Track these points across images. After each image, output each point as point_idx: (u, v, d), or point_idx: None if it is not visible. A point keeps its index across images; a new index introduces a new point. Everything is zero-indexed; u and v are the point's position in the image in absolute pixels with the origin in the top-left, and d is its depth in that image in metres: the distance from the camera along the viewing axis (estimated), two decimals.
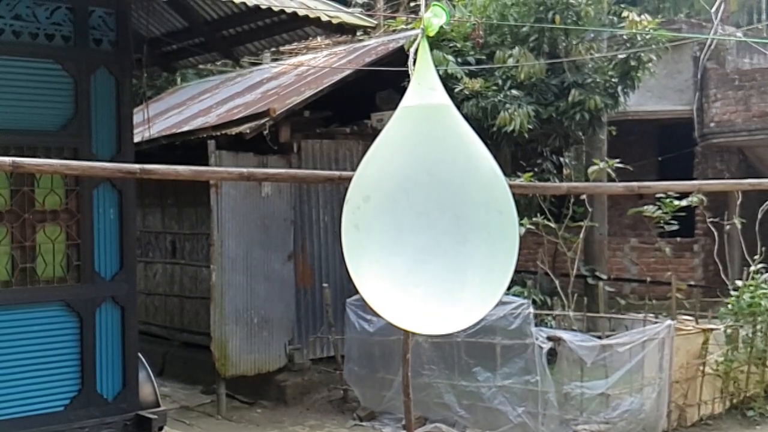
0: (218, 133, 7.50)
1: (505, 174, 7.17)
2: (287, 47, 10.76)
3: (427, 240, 0.57)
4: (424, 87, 0.78)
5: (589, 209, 7.85)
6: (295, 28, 6.23)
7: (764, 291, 6.71)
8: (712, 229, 8.20)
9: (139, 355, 5.32)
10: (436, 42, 7.63)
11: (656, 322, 6.21)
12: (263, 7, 5.33)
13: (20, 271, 4.86)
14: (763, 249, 7.34)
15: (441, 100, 0.79)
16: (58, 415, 4.95)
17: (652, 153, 11.94)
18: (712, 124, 11.20)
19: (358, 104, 8.24)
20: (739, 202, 8.19)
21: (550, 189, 6.12)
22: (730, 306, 6.78)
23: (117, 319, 5.19)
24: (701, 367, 6.37)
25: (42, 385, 4.92)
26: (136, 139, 5.86)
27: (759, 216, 7.87)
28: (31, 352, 4.90)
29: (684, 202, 7.46)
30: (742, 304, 6.64)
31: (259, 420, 7.17)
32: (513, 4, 8.07)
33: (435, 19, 1.07)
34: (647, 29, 7.85)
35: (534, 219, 7.36)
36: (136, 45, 5.50)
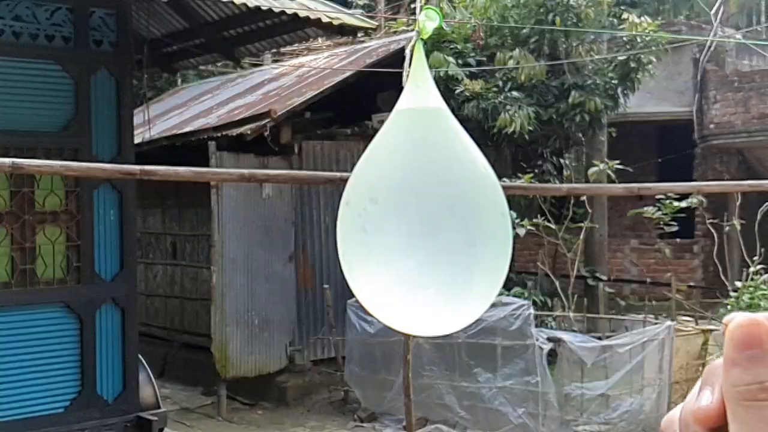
0: (219, 135, 7.51)
1: (506, 175, 7.21)
2: (288, 48, 10.77)
3: (439, 242, 0.56)
4: (419, 90, 0.78)
5: (589, 210, 7.86)
6: (296, 29, 6.24)
7: (763, 292, 6.72)
8: (712, 230, 8.21)
9: (140, 356, 5.32)
10: (437, 44, 7.65)
11: (656, 323, 6.22)
12: (264, 8, 5.33)
13: (20, 272, 4.86)
14: (763, 250, 7.35)
15: (437, 104, 0.78)
16: (58, 416, 4.94)
17: (651, 154, 11.95)
18: (711, 126, 11.21)
19: (359, 105, 8.25)
20: (738, 204, 8.20)
21: (550, 190, 6.12)
22: (729, 307, 6.78)
23: (117, 321, 5.19)
24: (701, 368, 6.38)
25: (42, 386, 4.92)
26: (137, 140, 5.87)
27: (758, 217, 7.87)
28: (31, 353, 4.90)
29: (684, 204, 7.47)
30: (742, 305, 6.64)
31: (259, 421, 7.17)
32: (513, 6, 8.08)
33: (429, 22, 1.06)
34: (647, 31, 7.86)
35: (534, 220, 7.36)
36: (137, 46, 5.51)
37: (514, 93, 7.68)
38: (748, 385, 0.42)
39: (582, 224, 7.82)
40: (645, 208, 7.95)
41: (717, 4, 11.72)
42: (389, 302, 0.64)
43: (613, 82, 8.07)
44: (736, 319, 0.44)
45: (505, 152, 8.22)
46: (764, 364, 0.42)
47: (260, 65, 10.85)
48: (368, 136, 8.48)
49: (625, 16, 8.03)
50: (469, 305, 0.64)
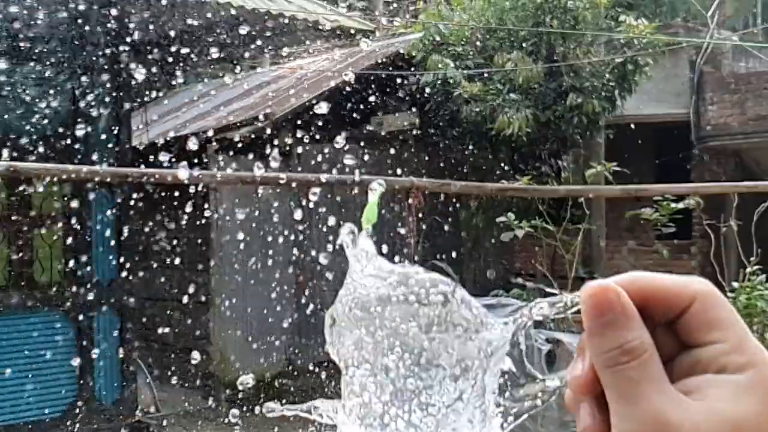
0: (217, 137, 7.51)
1: (504, 178, 7.16)
2: (286, 51, 10.77)
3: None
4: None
5: (588, 212, 7.87)
6: (295, 31, 6.24)
7: (760, 293, 6.73)
8: (709, 231, 8.22)
9: (138, 360, 5.32)
10: (436, 46, 7.66)
11: None
12: (261, 10, 5.34)
13: (17, 276, 4.85)
14: (759, 251, 7.35)
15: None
16: (55, 421, 4.93)
17: (649, 156, 11.97)
18: (708, 128, 11.23)
19: (358, 108, 8.26)
20: (735, 205, 8.20)
21: (548, 192, 6.13)
22: None
23: (115, 325, 5.19)
24: None
25: (39, 391, 4.91)
26: (134, 142, 5.87)
27: (755, 218, 7.89)
28: (28, 358, 4.89)
29: (681, 205, 7.47)
30: (739, 305, 6.65)
31: (259, 425, 7.16)
32: (511, 8, 8.09)
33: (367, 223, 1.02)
34: (644, 33, 7.88)
35: (532, 222, 7.37)
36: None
37: (512, 95, 7.69)
38: (609, 352, 0.43)
39: (580, 226, 7.83)
40: (642, 210, 7.95)
41: (713, 7, 11.75)
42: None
43: (610, 84, 8.08)
44: (587, 288, 0.45)
45: (503, 154, 8.23)
46: (619, 327, 0.44)
47: (258, 68, 10.85)
48: (367, 138, 8.51)
49: (622, 18, 8.04)
50: None
